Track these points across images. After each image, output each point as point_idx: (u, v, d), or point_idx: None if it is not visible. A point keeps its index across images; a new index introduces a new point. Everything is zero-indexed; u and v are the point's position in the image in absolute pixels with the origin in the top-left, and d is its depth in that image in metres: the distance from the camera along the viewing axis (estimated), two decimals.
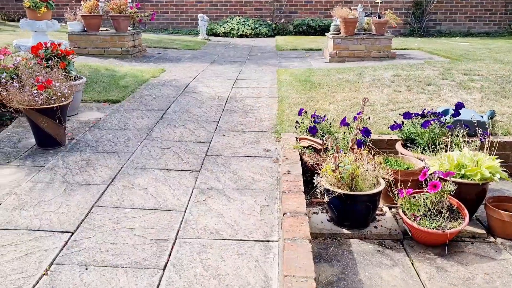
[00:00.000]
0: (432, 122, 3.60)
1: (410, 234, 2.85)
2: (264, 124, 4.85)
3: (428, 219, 2.76)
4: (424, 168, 3.05)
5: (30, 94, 3.87)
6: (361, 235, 2.91)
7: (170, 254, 2.61)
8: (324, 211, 3.19)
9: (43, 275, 2.41)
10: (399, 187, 2.92)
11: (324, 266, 2.58)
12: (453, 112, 3.82)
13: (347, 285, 2.41)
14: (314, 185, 3.07)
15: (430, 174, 2.92)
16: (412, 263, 2.63)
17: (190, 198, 3.25)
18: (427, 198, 2.86)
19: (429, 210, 2.81)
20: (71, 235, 2.77)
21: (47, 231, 2.81)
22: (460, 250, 2.77)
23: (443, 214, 2.78)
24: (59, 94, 4.02)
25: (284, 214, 2.54)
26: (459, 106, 3.80)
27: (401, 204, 2.90)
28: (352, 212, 2.91)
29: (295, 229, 2.36)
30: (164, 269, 2.48)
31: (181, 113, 5.22)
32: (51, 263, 2.50)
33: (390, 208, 3.26)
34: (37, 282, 2.35)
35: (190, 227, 2.88)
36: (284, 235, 2.30)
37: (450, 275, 2.52)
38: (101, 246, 2.67)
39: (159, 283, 2.36)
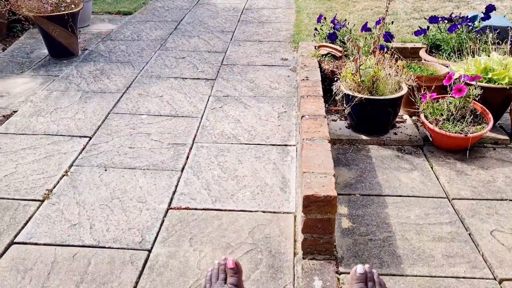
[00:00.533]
0: (459, 26, 3.39)
1: (430, 139, 2.79)
2: (281, 34, 4.66)
3: (450, 123, 2.68)
4: (449, 73, 2.91)
5: (39, 0, 3.73)
6: (380, 141, 2.86)
7: (188, 157, 2.61)
8: (343, 118, 3.13)
9: (63, 175, 2.44)
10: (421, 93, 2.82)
11: (342, 169, 2.56)
12: (482, 16, 3.59)
13: (365, 186, 2.40)
14: (333, 93, 2.98)
15: (455, 78, 2.79)
16: (432, 167, 2.59)
17: (206, 105, 3.20)
18: (450, 102, 2.75)
19: (452, 114, 2.72)
20: (89, 140, 2.77)
21: (65, 135, 2.82)
22: (481, 155, 2.72)
23: (466, 119, 2.69)
24: (68, 1, 3.87)
25: (302, 116, 2.48)
26: (489, 8, 3.56)
27: (423, 109, 2.80)
28: (371, 118, 2.83)
29: (313, 130, 2.31)
30: (182, 171, 2.49)
31: (195, 24, 5.04)
32: (71, 165, 2.53)
33: (410, 116, 3.17)
34: (58, 182, 2.39)
35: (207, 132, 2.85)
36: (302, 136, 2.26)
37: (470, 178, 2.48)
38: (119, 150, 2.67)
39: (177, 183, 2.38)
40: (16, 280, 1.79)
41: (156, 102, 3.24)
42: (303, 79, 3.09)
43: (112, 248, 1.95)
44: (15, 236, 2.02)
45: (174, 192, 2.31)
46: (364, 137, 2.88)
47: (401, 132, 2.94)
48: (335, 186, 1.84)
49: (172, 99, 3.28)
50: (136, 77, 3.65)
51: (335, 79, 3.01)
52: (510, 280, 1.79)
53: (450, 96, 2.73)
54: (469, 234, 2.06)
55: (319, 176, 1.90)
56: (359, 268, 1.09)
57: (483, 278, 1.81)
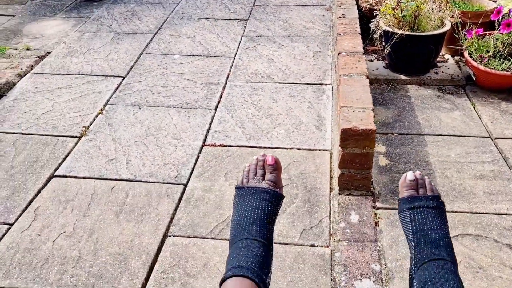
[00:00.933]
0: None
1: (474, 78, 2.65)
2: None
3: (496, 60, 2.54)
4: (498, 7, 2.73)
5: None
6: (420, 80, 2.75)
7: (221, 96, 2.58)
8: (380, 58, 3.01)
9: (98, 113, 2.46)
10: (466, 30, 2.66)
11: (380, 109, 2.48)
12: None
13: (403, 126, 2.33)
14: (371, 31, 2.85)
15: (505, 13, 2.61)
16: (474, 107, 2.48)
17: (239, 45, 3.12)
18: (497, 39, 2.59)
19: (499, 51, 2.56)
20: (123, 79, 2.77)
21: (99, 75, 2.82)
22: None
23: None
24: None
25: (339, 53, 2.39)
26: None
27: (467, 46, 2.66)
28: (412, 55, 2.71)
29: (351, 66, 2.22)
30: (215, 109, 2.46)
31: None
32: (106, 104, 2.54)
33: (452, 56, 3.02)
34: (94, 119, 2.41)
35: (240, 72, 2.80)
36: (339, 72, 2.18)
37: None
38: (152, 89, 2.66)
39: (211, 121, 2.37)
40: (58, 209, 1.84)
41: (188, 42, 3.18)
42: (339, 17, 2.95)
43: (149, 182, 1.98)
44: (55, 170, 2.07)
45: (208, 130, 2.30)
46: (403, 76, 2.77)
47: (442, 72, 2.81)
48: (373, 120, 1.78)
49: (204, 39, 3.22)
50: (167, 18, 3.59)
51: (374, 15, 2.87)
52: None
53: (497, 32, 2.57)
54: None
55: (357, 110, 1.84)
56: (409, 175, 1.04)
57: None
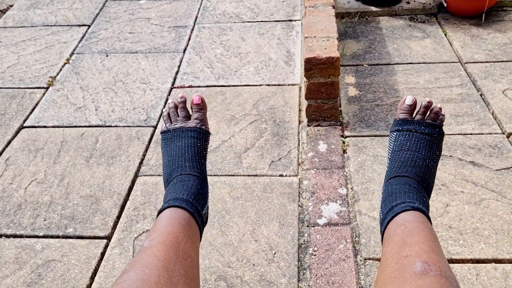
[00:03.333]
0: None
1: (445, 5, 2.62)
2: None
3: None
4: None
5: None
6: (391, 11, 2.71)
7: (189, 39, 2.53)
8: None
9: (65, 63, 2.41)
10: None
11: (350, 42, 2.46)
12: None
13: (373, 57, 2.31)
14: None
15: None
16: (445, 34, 2.46)
17: None
18: None
19: None
20: (88, 28, 2.70)
21: (64, 25, 2.74)
22: (499, 19, 2.56)
23: None
24: None
25: None
26: None
27: None
28: None
29: None
30: (184, 52, 2.43)
31: None
32: (72, 53, 2.49)
33: None
34: (60, 69, 2.37)
35: (208, 13, 2.74)
36: (305, 3, 2.13)
37: (486, 42, 2.36)
38: (119, 35, 2.60)
39: (180, 64, 2.33)
40: (28, 158, 1.84)
41: None
42: None
43: (118, 126, 1.97)
44: (24, 121, 2.05)
45: (177, 73, 2.27)
46: (374, 8, 2.73)
47: (414, 1, 2.77)
48: (337, 48, 1.77)
49: None
50: None
51: None
52: None
53: None
54: (480, 95, 2.00)
55: (321, 40, 1.82)
56: (408, 100, 1.00)
57: (491, 134, 1.78)
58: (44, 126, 2.01)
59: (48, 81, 2.28)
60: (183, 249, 0.74)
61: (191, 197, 0.87)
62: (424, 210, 0.83)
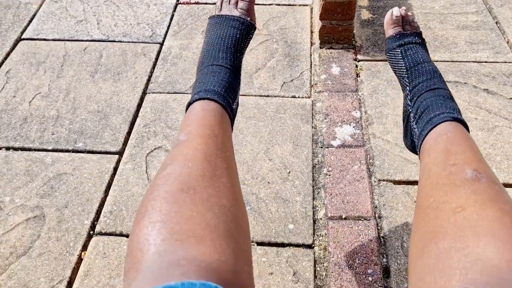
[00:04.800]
0: None
1: None
2: None
3: None
4: None
5: None
6: None
7: None
8: None
9: None
10: None
11: None
12: None
13: None
14: None
15: None
16: None
17: None
18: None
19: None
20: None
21: None
22: None
23: None
24: None
25: None
26: None
27: None
28: None
29: None
30: None
31: None
32: None
33: None
34: None
35: None
36: None
37: None
38: None
39: None
40: (30, 72, 1.77)
41: None
42: None
43: (123, 42, 1.89)
44: (22, 33, 1.95)
45: None
46: None
47: None
48: None
49: None
50: None
51: None
52: None
53: None
54: (496, 23, 1.95)
55: None
56: (396, 11, 0.99)
57: (505, 62, 1.76)
58: (44, 39, 1.92)
59: None
60: (221, 141, 0.72)
61: (223, 89, 0.84)
62: (464, 121, 0.82)
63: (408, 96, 0.94)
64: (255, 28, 0.98)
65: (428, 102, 0.88)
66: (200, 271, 0.49)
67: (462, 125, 0.81)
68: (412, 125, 0.89)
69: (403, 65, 0.97)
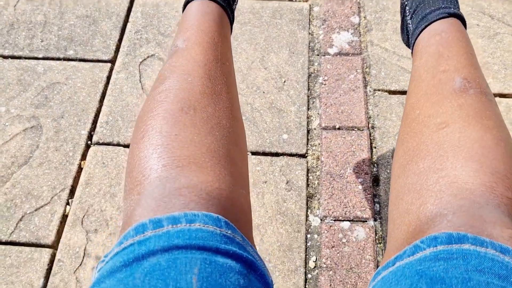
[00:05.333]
0: None
1: None
2: None
3: None
4: None
5: None
6: None
7: None
8: None
9: None
10: None
11: None
12: None
13: None
14: None
15: None
16: None
17: None
18: None
19: None
20: None
21: None
22: None
23: None
24: None
25: None
26: None
27: None
28: None
29: None
30: None
31: None
32: None
33: None
34: None
35: None
36: None
37: None
38: None
39: None
40: None
41: None
42: None
43: None
44: None
45: None
46: None
47: None
48: None
49: None
50: None
51: None
52: None
53: None
54: None
55: None
56: None
57: None
58: None
59: None
60: (221, 51, 0.70)
61: None
62: (462, 15, 0.79)
63: None
64: None
65: None
66: (201, 201, 0.51)
67: (460, 20, 0.78)
68: (407, 20, 0.86)
69: None
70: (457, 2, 0.83)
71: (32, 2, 1.59)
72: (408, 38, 0.87)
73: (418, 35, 0.78)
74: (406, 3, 0.88)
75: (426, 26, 0.77)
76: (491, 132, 0.58)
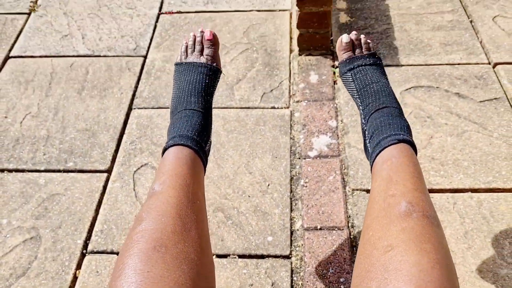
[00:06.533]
0: None
1: None
2: None
3: None
4: None
5: None
6: None
7: None
8: None
9: None
10: None
11: None
12: None
13: None
14: None
15: None
16: None
17: None
18: None
19: None
20: None
21: None
22: None
23: None
24: None
25: None
26: None
27: None
28: None
29: None
30: None
31: None
32: None
33: None
34: None
35: None
36: None
37: None
38: None
39: None
40: (20, 91, 1.84)
41: None
42: None
43: (108, 56, 1.95)
44: (10, 51, 2.01)
45: None
46: None
47: None
48: None
49: None
50: None
51: None
52: (504, 63, 1.80)
53: None
54: (471, 22, 2.00)
55: None
56: (345, 38, 1.08)
57: (478, 64, 1.82)
58: (32, 56, 1.98)
59: (30, 6, 2.19)
60: (192, 192, 0.81)
61: (195, 134, 0.92)
62: (410, 140, 0.89)
63: (362, 115, 1.03)
64: (221, 72, 1.05)
65: (378, 123, 0.96)
66: None
67: (410, 145, 0.89)
68: (367, 143, 0.98)
69: (354, 87, 1.06)
70: (408, 127, 0.95)
71: (37, 118, 1.74)
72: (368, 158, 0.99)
73: (374, 159, 0.89)
74: (365, 128, 1.00)
75: (379, 152, 0.88)
76: (428, 256, 0.65)
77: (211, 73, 1.02)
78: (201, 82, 1.00)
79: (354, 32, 1.10)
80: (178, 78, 1.03)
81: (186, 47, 1.07)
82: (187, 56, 1.06)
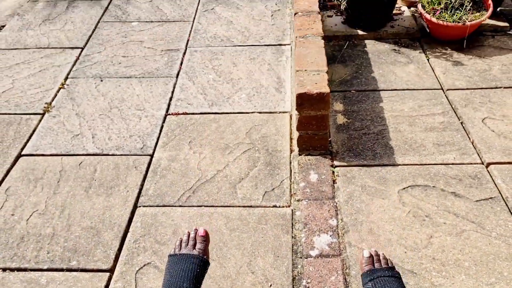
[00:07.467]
0: None
1: (428, 31, 2.73)
2: None
3: (448, 12, 2.61)
4: None
5: None
6: (376, 35, 2.81)
7: (182, 63, 2.60)
8: (339, 13, 3.04)
9: (60, 88, 2.46)
10: None
11: (338, 66, 2.55)
12: None
13: (360, 82, 2.41)
14: None
15: None
16: (428, 59, 2.58)
17: (197, 7, 3.10)
18: None
19: (451, 3, 2.63)
20: (81, 51, 2.74)
21: (56, 48, 2.78)
22: (479, 44, 2.68)
23: (465, 6, 2.61)
24: None
25: (295, 13, 2.42)
26: None
27: None
28: (369, 7, 2.75)
29: (307, 27, 2.27)
30: (177, 77, 2.49)
31: None
32: (66, 77, 2.53)
33: (408, 7, 3.07)
34: (56, 94, 2.41)
35: (199, 36, 2.81)
36: (295, 33, 2.22)
37: (466, 68, 2.47)
38: (112, 59, 2.65)
39: (173, 89, 2.40)
40: (28, 188, 1.89)
41: (146, 7, 3.14)
42: None
43: (116, 155, 2.03)
44: (22, 149, 2.10)
45: (170, 98, 2.34)
46: (360, 32, 2.83)
47: (398, 25, 2.88)
48: (328, 83, 1.86)
49: (161, 3, 3.18)
50: None
51: None
52: (496, 163, 1.87)
53: None
54: (461, 123, 2.11)
55: (312, 73, 1.91)
56: (366, 253, 1.23)
57: (471, 163, 1.89)
58: (42, 155, 2.06)
59: (44, 107, 2.32)
60: None
61: None
62: None
63: None
64: (209, 264, 1.23)
65: None
66: None
67: None
68: None
69: None
70: None
71: (43, 215, 1.77)
72: None
73: None
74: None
75: None
76: None
77: (202, 264, 1.19)
78: (193, 271, 1.15)
79: (373, 249, 1.24)
80: (172, 267, 1.17)
81: (181, 241, 1.25)
82: (181, 249, 1.23)
